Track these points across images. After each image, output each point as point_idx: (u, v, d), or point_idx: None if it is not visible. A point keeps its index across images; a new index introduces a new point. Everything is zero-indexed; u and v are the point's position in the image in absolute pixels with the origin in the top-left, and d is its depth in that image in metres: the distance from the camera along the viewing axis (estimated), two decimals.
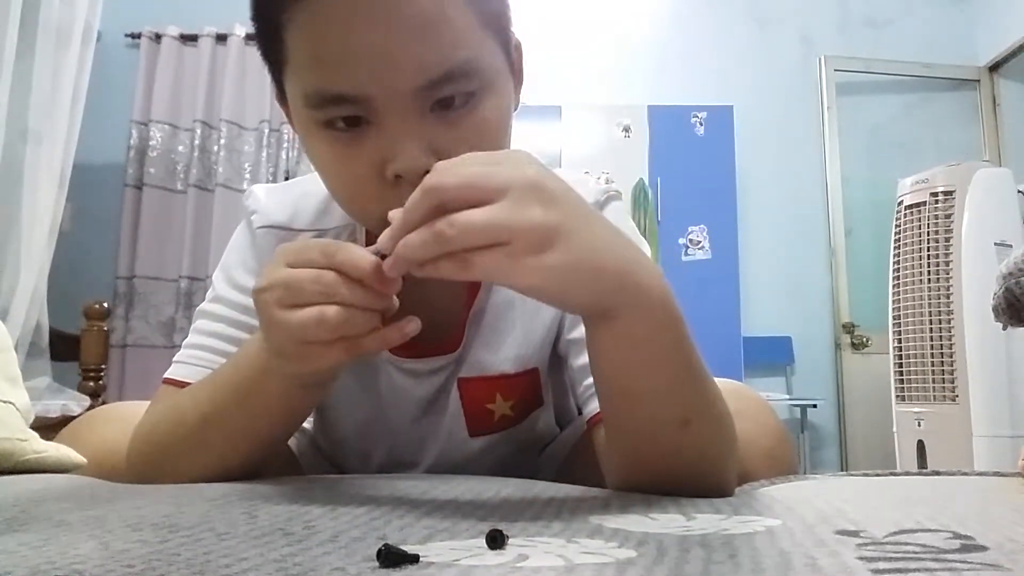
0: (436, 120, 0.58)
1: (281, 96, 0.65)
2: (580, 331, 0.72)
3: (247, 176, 3.63)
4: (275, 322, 0.51)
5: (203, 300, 0.76)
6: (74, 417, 1.36)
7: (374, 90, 0.56)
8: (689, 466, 0.54)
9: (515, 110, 0.68)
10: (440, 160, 0.52)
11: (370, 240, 0.75)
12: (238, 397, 0.60)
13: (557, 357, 0.79)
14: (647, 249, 0.77)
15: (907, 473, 0.69)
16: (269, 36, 0.60)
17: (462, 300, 0.75)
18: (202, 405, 0.62)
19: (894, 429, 2.88)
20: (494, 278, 0.46)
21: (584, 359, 0.67)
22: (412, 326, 0.50)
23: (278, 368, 0.55)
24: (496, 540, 0.35)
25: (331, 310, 0.49)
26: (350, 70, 0.56)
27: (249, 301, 0.74)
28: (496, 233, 0.43)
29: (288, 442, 0.89)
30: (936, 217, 2.74)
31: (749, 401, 0.75)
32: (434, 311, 0.76)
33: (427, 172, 0.56)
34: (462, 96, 0.58)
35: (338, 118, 0.58)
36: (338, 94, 0.57)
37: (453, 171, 0.45)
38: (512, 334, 0.76)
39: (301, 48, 0.58)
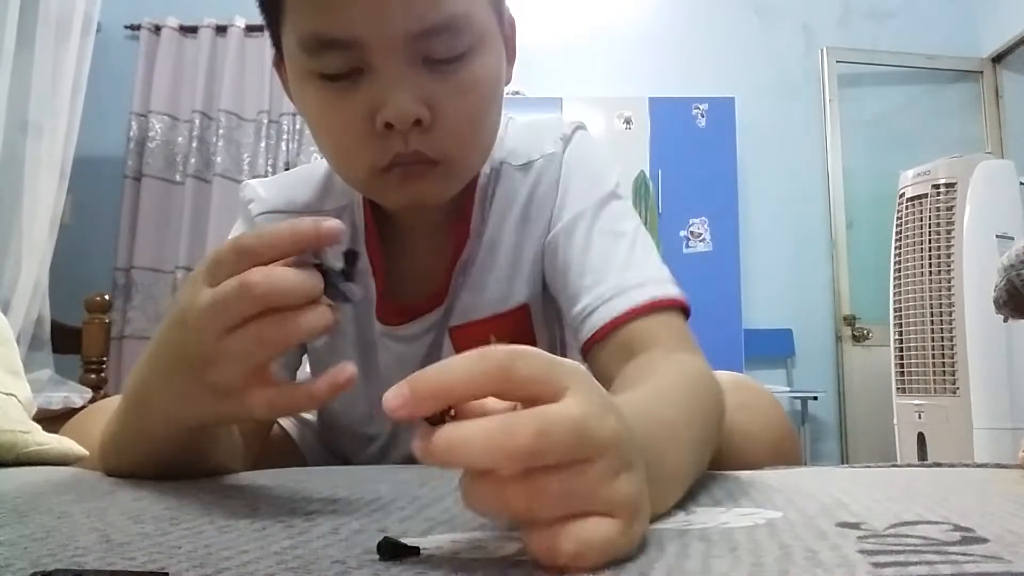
0: (428, 73, 0.59)
1: (278, 58, 0.66)
2: (560, 226, 0.71)
3: (246, 167, 3.63)
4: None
5: None
6: (76, 409, 1.36)
7: (367, 33, 0.57)
8: None
9: (506, 84, 0.68)
10: (430, 111, 0.56)
11: (368, 217, 0.74)
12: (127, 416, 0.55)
13: (551, 308, 0.78)
14: (614, 176, 0.77)
15: (908, 465, 0.69)
16: None
17: (448, 255, 0.75)
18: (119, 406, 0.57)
19: (894, 421, 2.88)
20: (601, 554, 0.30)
21: (572, 287, 0.68)
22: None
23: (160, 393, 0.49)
24: None
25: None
26: (345, 12, 0.56)
27: None
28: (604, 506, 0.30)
29: (290, 432, 0.89)
30: (938, 209, 2.73)
31: (754, 394, 0.75)
32: (420, 270, 0.75)
33: (417, 122, 0.58)
34: (454, 52, 0.59)
35: (331, 66, 0.58)
36: (332, 37, 0.57)
37: (528, 358, 0.30)
38: (496, 272, 0.75)
39: None
